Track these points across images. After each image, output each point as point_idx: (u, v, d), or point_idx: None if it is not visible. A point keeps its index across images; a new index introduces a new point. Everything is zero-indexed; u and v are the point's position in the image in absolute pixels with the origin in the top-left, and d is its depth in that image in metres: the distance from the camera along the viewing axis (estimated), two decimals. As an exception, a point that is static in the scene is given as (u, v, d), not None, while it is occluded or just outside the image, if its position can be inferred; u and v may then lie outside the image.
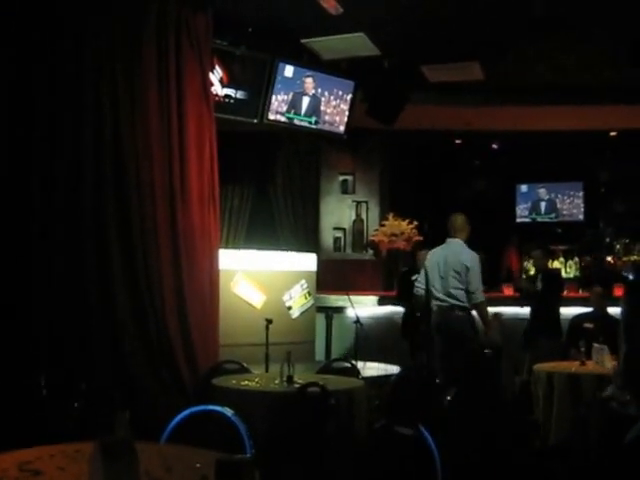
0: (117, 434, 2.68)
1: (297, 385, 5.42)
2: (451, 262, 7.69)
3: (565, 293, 9.89)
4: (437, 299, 7.70)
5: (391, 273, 11.93)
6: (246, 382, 5.77)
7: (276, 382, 5.66)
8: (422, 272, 7.97)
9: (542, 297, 8.87)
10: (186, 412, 3.92)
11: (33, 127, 6.46)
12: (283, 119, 9.13)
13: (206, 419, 4.05)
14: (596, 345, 6.89)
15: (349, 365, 6.90)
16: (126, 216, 6.96)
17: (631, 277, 12.15)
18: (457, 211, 8.05)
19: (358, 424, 5.50)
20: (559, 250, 13.22)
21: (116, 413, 2.72)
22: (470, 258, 7.65)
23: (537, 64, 9.54)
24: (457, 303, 7.58)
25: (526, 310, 9.16)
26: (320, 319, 10.31)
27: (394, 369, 8.02)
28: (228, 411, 4.09)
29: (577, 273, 13.16)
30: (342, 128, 9.71)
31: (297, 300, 9.41)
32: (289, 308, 9.33)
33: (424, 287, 7.79)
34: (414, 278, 8.48)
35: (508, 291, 10.63)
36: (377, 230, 12.05)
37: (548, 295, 8.88)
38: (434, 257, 7.89)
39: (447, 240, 7.91)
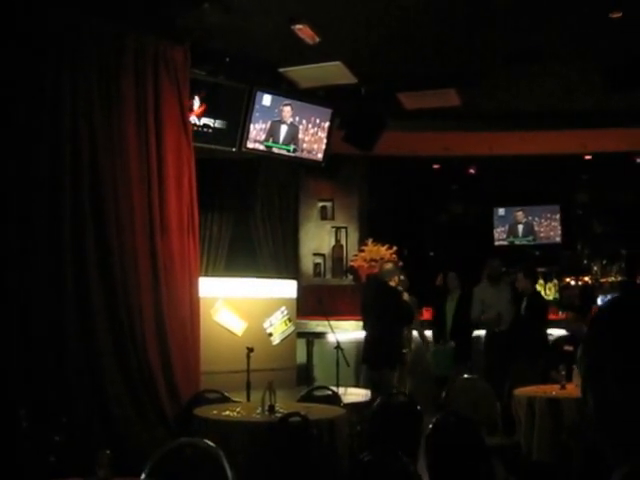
0: (98, 474, 2.67)
1: (279, 415, 5.42)
2: None
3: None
4: None
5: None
6: (227, 412, 5.76)
7: (257, 412, 5.65)
8: None
9: (525, 320, 8.91)
10: (167, 446, 3.92)
11: (10, 156, 6.45)
12: (262, 147, 9.15)
13: (187, 451, 4.05)
14: (577, 369, 6.92)
15: (330, 392, 6.89)
16: (105, 245, 6.95)
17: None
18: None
19: (340, 452, 5.51)
20: (538, 272, 13.28)
21: (97, 452, 2.71)
22: None
23: (513, 89, 9.64)
24: None
25: None
26: (301, 344, 10.29)
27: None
28: (209, 443, 4.09)
29: (556, 295, 13.25)
30: (320, 155, 9.73)
31: (278, 327, 9.38)
32: (270, 335, 9.30)
33: None
34: None
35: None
36: (356, 255, 12.07)
37: (532, 319, 8.93)
38: None
39: None
